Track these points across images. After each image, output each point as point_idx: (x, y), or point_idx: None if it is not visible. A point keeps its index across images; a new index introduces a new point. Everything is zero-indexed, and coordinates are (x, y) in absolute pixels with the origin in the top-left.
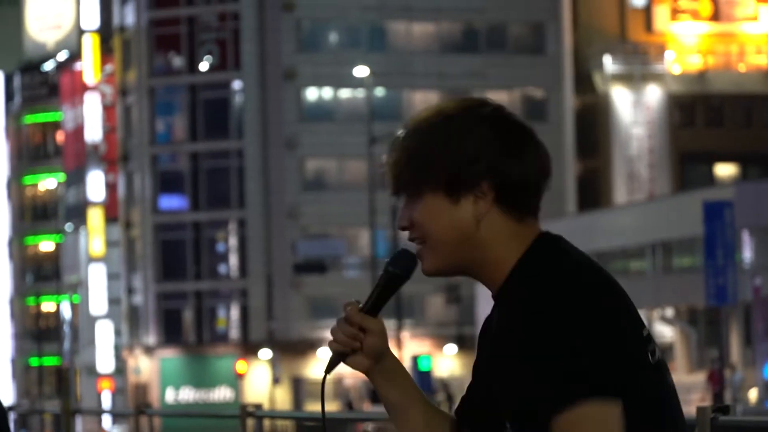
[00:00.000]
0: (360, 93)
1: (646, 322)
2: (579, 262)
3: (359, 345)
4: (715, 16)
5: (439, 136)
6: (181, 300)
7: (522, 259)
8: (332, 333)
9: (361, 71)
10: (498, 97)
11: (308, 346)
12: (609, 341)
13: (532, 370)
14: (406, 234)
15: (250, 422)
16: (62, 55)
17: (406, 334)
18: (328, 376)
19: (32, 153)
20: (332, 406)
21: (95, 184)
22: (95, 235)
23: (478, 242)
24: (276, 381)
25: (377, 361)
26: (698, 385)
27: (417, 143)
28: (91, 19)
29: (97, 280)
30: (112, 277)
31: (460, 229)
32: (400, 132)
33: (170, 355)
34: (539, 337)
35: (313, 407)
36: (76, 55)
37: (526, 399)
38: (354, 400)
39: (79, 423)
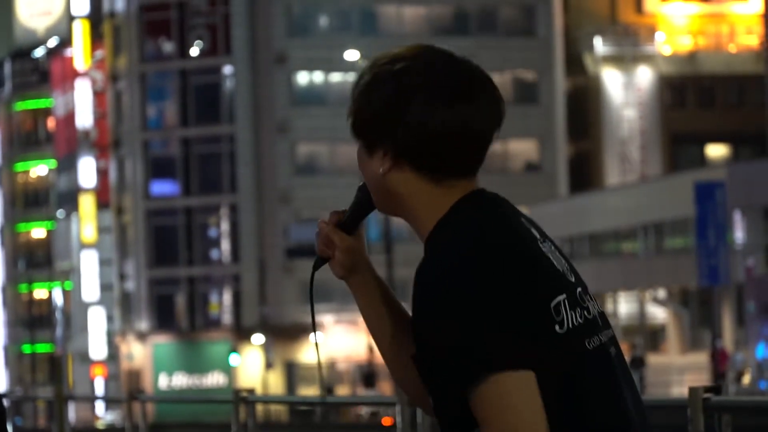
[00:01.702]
0: (351, 77)
1: (637, 303)
2: (486, 224)
3: (332, 254)
4: None
5: (359, 87)
6: (173, 286)
7: (439, 222)
8: (316, 236)
9: (352, 55)
10: None
11: (301, 331)
12: (505, 313)
13: (430, 348)
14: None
15: (243, 407)
16: (53, 42)
17: None
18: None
19: (23, 140)
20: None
21: (87, 171)
22: (87, 222)
23: (393, 198)
24: (269, 366)
25: (351, 273)
26: (691, 365)
27: (354, 90)
28: (82, 5)
29: (89, 267)
30: (104, 263)
31: (376, 180)
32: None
33: (163, 340)
34: (430, 313)
35: (306, 392)
36: (66, 42)
37: (431, 376)
38: (350, 383)
39: (71, 409)
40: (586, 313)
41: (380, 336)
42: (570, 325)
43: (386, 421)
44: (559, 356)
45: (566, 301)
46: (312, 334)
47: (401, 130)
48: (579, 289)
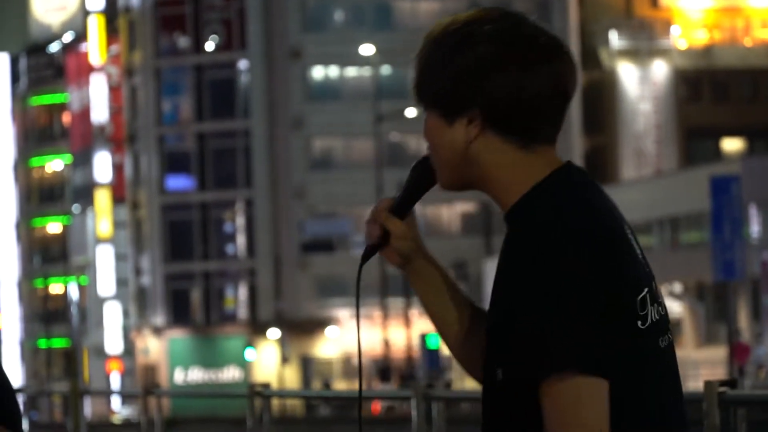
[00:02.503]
0: (366, 71)
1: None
2: (580, 207)
3: (384, 241)
4: None
5: (437, 53)
6: (188, 280)
7: (529, 193)
8: (366, 224)
9: (367, 50)
10: None
11: (316, 325)
12: (594, 307)
13: (512, 331)
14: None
15: (259, 402)
16: (68, 37)
17: (414, 312)
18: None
19: (39, 135)
20: (342, 385)
21: (102, 165)
22: (102, 217)
23: (477, 164)
24: (284, 360)
25: (406, 260)
26: (707, 360)
27: (421, 60)
28: (97, 0)
29: (105, 262)
30: (119, 258)
31: (455, 150)
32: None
33: (178, 335)
34: (522, 292)
35: (317, 386)
36: (81, 37)
37: (509, 359)
38: (366, 378)
39: (87, 404)
40: (661, 309)
41: (443, 322)
42: (651, 320)
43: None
44: (637, 354)
45: (648, 296)
46: (327, 328)
47: (494, 94)
48: (654, 282)
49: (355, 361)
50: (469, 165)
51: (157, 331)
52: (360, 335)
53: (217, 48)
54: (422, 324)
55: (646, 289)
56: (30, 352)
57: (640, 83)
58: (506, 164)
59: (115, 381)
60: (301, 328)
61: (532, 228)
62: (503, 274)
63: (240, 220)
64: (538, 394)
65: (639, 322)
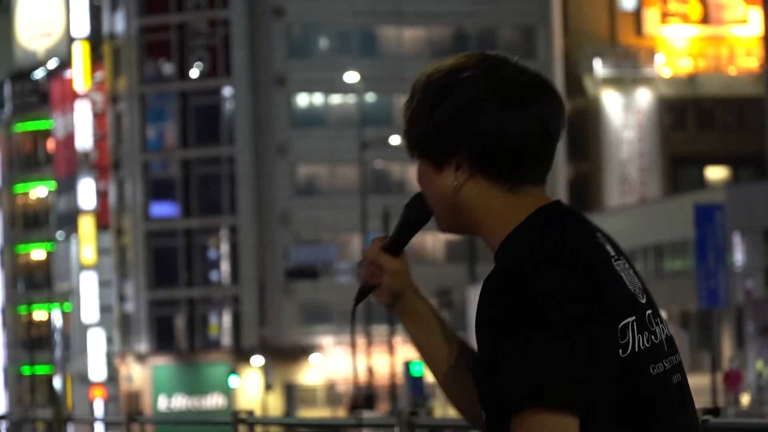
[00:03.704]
0: (351, 98)
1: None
2: (559, 239)
3: (380, 281)
4: (705, 19)
5: (420, 104)
6: (173, 307)
7: (512, 232)
8: (359, 265)
9: (351, 77)
10: None
11: (301, 352)
12: (567, 334)
13: (488, 364)
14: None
15: (242, 429)
16: (52, 63)
17: (398, 339)
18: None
19: (23, 161)
20: (324, 412)
21: (86, 192)
22: (86, 243)
23: (464, 211)
24: (268, 387)
25: (397, 299)
26: (692, 388)
27: (408, 109)
28: (81, 26)
29: (89, 288)
30: (103, 284)
31: (445, 196)
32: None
33: (162, 362)
34: (490, 327)
35: (306, 413)
36: (66, 63)
37: (486, 393)
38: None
39: (71, 431)
40: (653, 337)
41: (433, 359)
42: (635, 349)
43: None
44: (617, 382)
45: (634, 324)
46: (311, 355)
47: (478, 138)
48: (649, 312)
49: (339, 388)
50: (459, 210)
51: (141, 357)
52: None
53: (202, 74)
54: (406, 351)
55: (632, 318)
56: (14, 379)
57: (624, 111)
58: (495, 207)
59: (99, 408)
60: (285, 354)
61: (509, 259)
62: (478, 309)
63: (224, 247)
64: None
65: (620, 351)
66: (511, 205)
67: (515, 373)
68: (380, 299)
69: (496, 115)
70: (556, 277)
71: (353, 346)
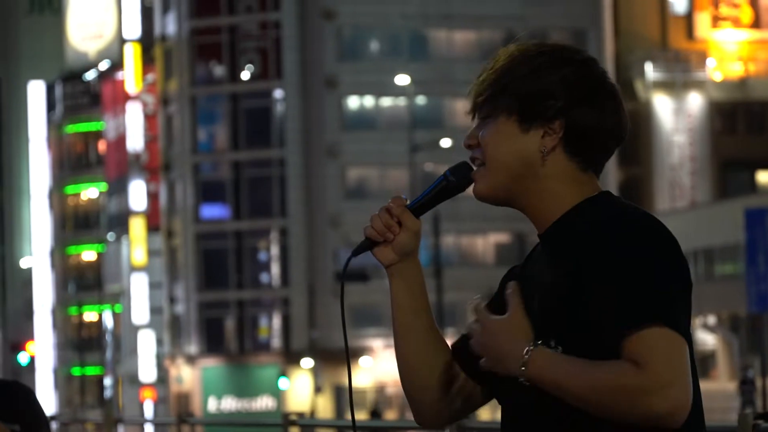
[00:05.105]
0: (401, 101)
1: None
2: (642, 210)
3: (392, 237)
4: (756, 23)
5: (527, 65)
6: (222, 309)
7: (583, 204)
8: (371, 219)
9: (402, 79)
10: None
11: (350, 355)
12: (684, 280)
13: (618, 284)
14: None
15: (293, 431)
16: (104, 65)
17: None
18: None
19: (74, 162)
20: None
21: (137, 194)
22: (137, 245)
23: (538, 175)
24: (318, 390)
25: (401, 259)
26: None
27: (506, 67)
28: (133, 28)
29: (139, 290)
30: (154, 286)
31: (523, 157)
32: (497, 55)
33: (212, 364)
34: (626, 256)
35: (356, 416)
36: (117, 65)
37: (598, 310)
38: (399, 408)
39: None
40: None
41: (408, 327)
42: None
43: None
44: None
45: None
46: (361, 358)
47: (578, 117)
48: None
49: (389, 390)
50: (528, 175)
51: (191, 359)
52: (348, 348)
53: (253, 77)
54: None
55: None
56: (64, 380)
57: (675, 115)
58: (565, 179)
59: (149, 409)
60: (335, 357)
61: (605, 220)
62: (607, 237)
63: (274, 249)
64: (622, 347)
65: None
66: (579, 185)
67: (654, 296)
68: (383, 256)
69: (594, 103)
70: (666, 232)
71: (342, 316)
